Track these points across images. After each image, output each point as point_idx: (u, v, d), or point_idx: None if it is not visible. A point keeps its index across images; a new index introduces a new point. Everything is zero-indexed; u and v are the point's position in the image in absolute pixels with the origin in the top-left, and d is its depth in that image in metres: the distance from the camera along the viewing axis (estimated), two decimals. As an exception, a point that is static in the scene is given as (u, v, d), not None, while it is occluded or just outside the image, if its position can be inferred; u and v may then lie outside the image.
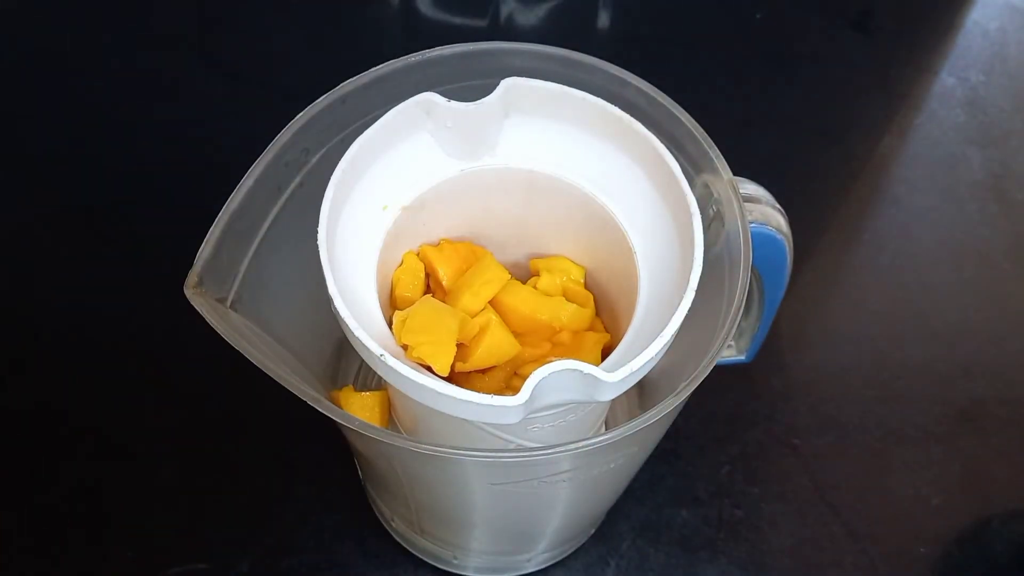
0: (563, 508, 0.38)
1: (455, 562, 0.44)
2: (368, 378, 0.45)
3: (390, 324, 0.33)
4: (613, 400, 0.31)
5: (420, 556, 0.45)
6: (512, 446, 0.33)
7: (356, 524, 0.46)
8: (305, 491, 0.47)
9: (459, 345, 0.32)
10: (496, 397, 0.27)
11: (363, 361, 0.34)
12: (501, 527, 0.41)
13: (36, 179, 0.59)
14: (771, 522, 0.48)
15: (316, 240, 0.30)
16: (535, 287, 0.37)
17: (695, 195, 0.32)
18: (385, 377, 0.29)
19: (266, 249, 0.33)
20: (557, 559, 0.46)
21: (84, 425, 0.48)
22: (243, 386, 0.40)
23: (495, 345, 0.33)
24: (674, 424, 0.36)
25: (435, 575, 0.45)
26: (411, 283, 0.36)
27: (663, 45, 0.70)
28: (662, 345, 0.29)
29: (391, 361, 0.28)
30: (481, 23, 0.70)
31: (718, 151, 0.34)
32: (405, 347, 0.31)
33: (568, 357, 0.28)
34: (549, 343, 0.36)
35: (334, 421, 0.29)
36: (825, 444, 0.51)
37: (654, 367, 0.30)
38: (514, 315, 0.35)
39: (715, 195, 0.33)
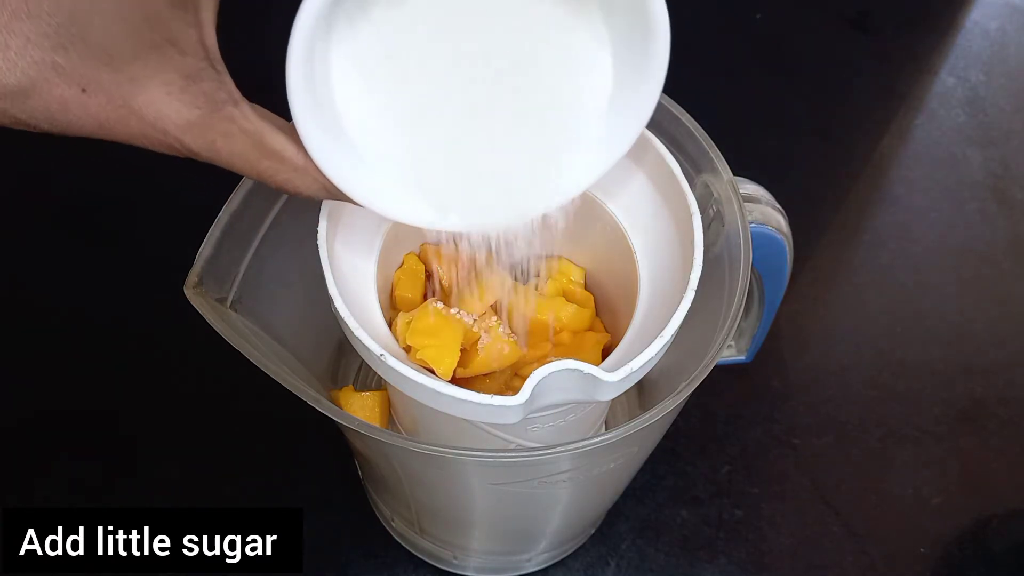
0: (563, 508, 0.38)
1: (455, 562, 0.44)
2: (368, 378, 0.45)
3: (390, 324, 0.33)
4: (613, 400, 0.31)
5: (420, 556, 0.45)
6: (512, 446, 0.33)
7: (357, 524, 0.46)
8: (305, 491, 0.47)
9: (461, 350, 0.32)
10: (496, 397, 0.27)
11: (363, 361, 0.34)
12: (501, 527, 0.41)
13: (36, 179, 0.59)
14: (771, 522, 0.48)
15: (316, 240, 0.30)
16: (536, 288, 0.37)
17: (695, 195, 0.32)
18: (386, 377, 0.29)
19: (266, 249, 0.33)
20: (557, 559, 0.46)
21: (84, 424, 0.48)
22: (243, 386, 0.40)
23: (496, 351, 0.33)
24: (674, 424, 0.36)
25: (435, 575, 0.45)
26: (411, 283, 0.36)
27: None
28: (662, 345, 0.29)
29: (391, 361, 0.28)
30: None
31: (718, 151, 0.34)
32: (408, 348, 0.32)
33: (568, 357, 0.28)
34: (549, 343, 0.36)
35: (334, 421, 0.29)
36: (825, 444, 0.51)
37: (654, 367, 0.30)
38: (514, 316, 0.35)
39: (715, 195, 0.33)
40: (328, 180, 0.25)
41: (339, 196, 0.26)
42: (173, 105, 0.22)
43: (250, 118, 0.24)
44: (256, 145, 0.24)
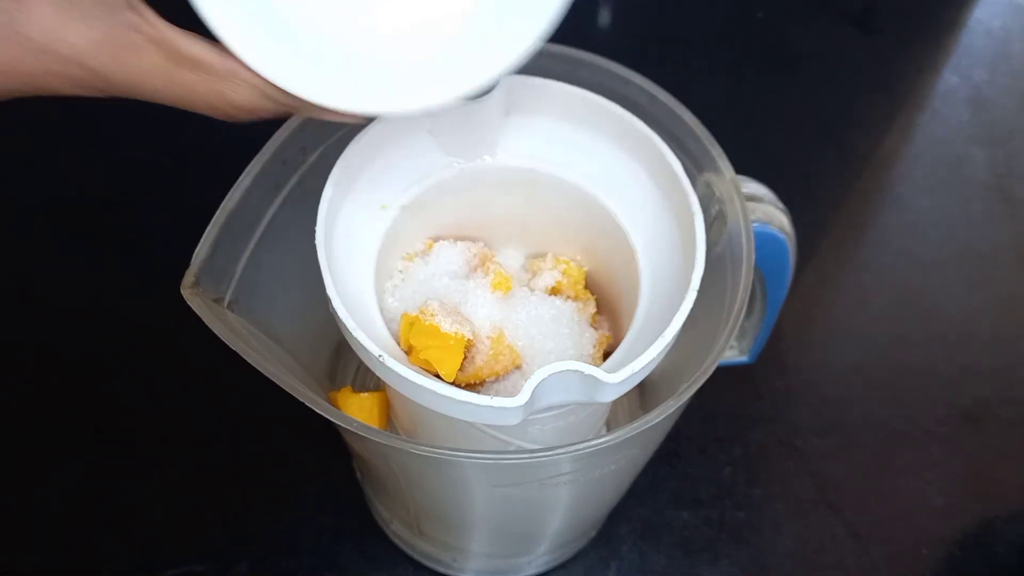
0: (564, 510, 0.38)
1: (454, 564, 0.44)
2: (367, 379, 0.44)
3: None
4: (614, 401, 0.31)
5: (419, 559, 0.45)
6: (512, 447, 0.33)
7: (355, 526, 0.46)
8: (305, 492, 0.47)
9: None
10: (496, 398, 0.27)
11: (362, 362, 0.34)
12: (501, 529, 0.40)
13: (36, 178, 0.58)
14: (773, 524, 0.48)
15: (314, 240, 0.30)
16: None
17: (697, 194, 0.31)
18: (384, 378, 0.29)
19: (264, 249, 0.33)
20: (557, 562, 0.46)
21: (84, 425, 0.48)
22: (241, 387, 0.40)
23: (497, 356, 0.33)
24: (675, 425, 0.35)
25: (434, 577, 0.45)
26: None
27: (664, 43, 0.70)
28: (664, 346, 0.28)
29: (390, 362, 0.28)
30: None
31: (720, 150, 0.33)
32: (410, 349, 0.31)
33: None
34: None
35: (332, 422, 0.29)
36: (827, 445, 0.51)
37: (656, 368, 0.29)
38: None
39: (717, 194, 0.33)
40: (259, 77, 0.23)
41: (277, 96, 0.24)
42: (63, 21, 0.21)
43: (155, 24, 0.22)
44: (169, 55, 0.22)
